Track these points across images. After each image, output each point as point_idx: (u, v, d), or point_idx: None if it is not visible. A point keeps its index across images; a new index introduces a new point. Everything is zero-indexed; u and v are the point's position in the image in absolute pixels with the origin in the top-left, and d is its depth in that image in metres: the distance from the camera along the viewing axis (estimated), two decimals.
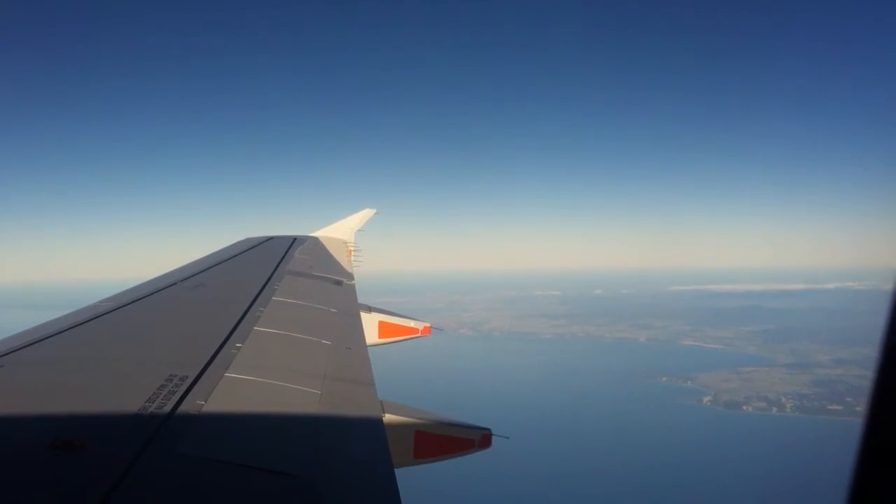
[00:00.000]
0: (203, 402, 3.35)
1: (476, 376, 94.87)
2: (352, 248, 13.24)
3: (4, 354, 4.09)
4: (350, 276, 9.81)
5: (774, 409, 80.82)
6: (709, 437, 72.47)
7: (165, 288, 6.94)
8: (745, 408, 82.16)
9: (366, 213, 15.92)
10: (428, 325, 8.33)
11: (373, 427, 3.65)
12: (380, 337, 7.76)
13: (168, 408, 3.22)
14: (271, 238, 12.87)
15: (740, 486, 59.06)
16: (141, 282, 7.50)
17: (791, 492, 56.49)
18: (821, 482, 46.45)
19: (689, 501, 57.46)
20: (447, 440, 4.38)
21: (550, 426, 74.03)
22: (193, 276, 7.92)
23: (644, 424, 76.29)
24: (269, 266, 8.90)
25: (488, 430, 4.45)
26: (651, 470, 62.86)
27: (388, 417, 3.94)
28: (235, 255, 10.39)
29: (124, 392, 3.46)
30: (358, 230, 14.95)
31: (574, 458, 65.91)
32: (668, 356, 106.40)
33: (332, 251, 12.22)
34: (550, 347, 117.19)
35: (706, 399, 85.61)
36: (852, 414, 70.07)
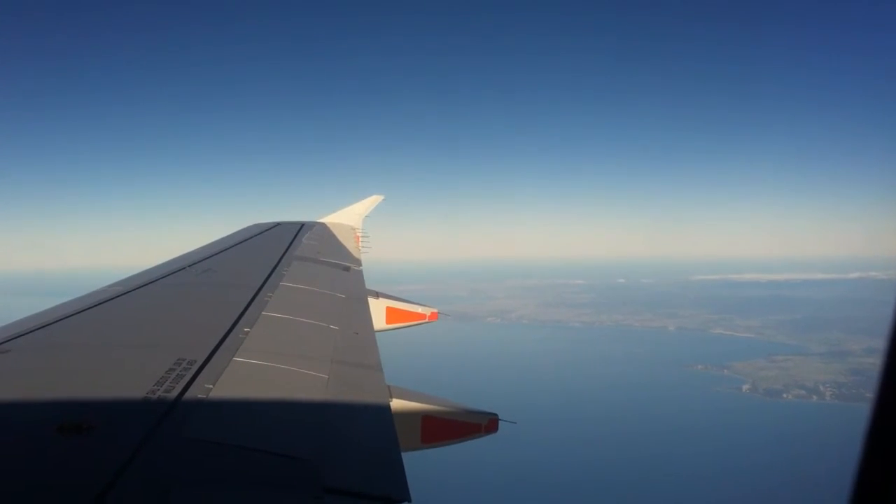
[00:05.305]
0: (211, 387, 3.39)
1: (509, 364, 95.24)
2: (359, 234, 13.17)
3: (12, 339, 4.08)
4: (358, 262, 9.80)
5: (814, 398, 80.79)
6: (753, 425, 72.35)
7: (174, 273, 6.96)
8: (785, 396, 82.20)
9: (374, 200, 15.95)
10: (436, 311, 8.21)
11: (380, 411, 3.64)
12: (387, 322, 7.67)
13: (176, 392, 3.25)
14: (279, 224, 12.81)
15: (789, 471, 59.81)
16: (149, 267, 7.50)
17: (842, 476, 57.15)
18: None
19: (742, 485, 58.27)
20: (454, 425, 4.40)
21: (591, 413, 74.40)
22: (202, 261, 7.93)
23: (686, 411, 76.36)
24: (277, 251, 8.93)
25: (495, 414, 4.45)
26: (698, 456, 63.08)
27: (395, 402, 3.93)
28: (244, 241, 10.37)
29: (132, 376, 3.48)
30: (366, 216, 14.92)
31: (619, 443, 66.16)
32: (700, 345, 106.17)
33: (339, 237, 12.21)
34: (580, 336, 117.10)
35: (745, 387, 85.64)
36: None
